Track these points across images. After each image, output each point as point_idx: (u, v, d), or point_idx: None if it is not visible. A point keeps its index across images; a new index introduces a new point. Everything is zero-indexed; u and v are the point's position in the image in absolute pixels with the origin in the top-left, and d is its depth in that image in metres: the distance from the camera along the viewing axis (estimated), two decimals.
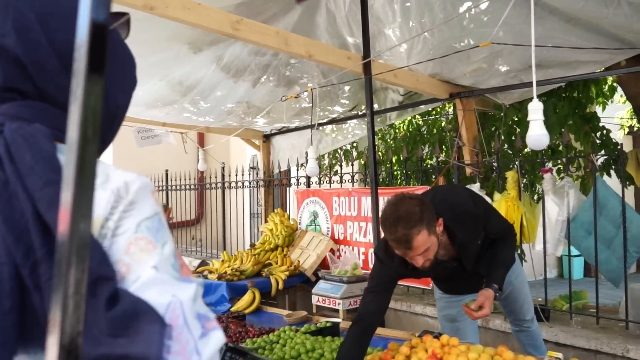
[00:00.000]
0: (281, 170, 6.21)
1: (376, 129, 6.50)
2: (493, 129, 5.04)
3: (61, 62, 0.76)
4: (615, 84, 4.90)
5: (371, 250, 4.50)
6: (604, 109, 5.24)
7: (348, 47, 3.97)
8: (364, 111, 4.61)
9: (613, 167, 4.44)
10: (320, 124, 5.74)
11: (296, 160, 5.77)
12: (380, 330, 3.03)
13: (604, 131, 4.67)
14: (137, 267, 0.68)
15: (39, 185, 0.67)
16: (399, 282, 4.41)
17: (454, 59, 3.75)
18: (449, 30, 3.49)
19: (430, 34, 3.54)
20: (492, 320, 3.63)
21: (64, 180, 0.51)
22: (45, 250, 0.65)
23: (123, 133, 0.99)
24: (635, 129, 7.36)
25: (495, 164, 3.92)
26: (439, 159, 4.45)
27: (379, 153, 7.22)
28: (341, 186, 5.08)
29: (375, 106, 4.99)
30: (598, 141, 4.60)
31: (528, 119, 2.29)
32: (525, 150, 4.96)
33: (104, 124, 0.80)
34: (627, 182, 3.64)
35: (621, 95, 5.28)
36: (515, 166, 3.81)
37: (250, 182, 6.67)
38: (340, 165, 5.13)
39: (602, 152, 4.48)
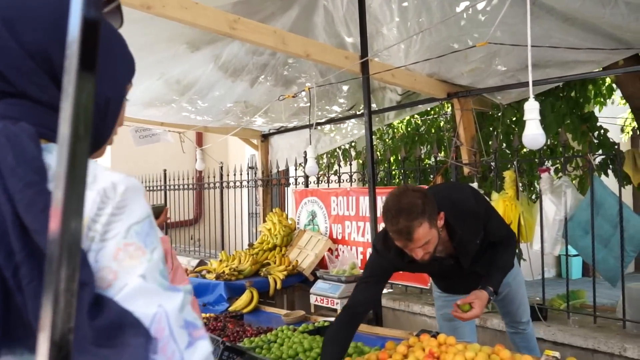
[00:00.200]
0: (279, 170, 6.20)
1: (374, 128, 6.50)
2: (491, 129, 5.05)
3: (35, 61, 0.75)
4: (613, 84, 4.91)
5: (369, 250, 4.50)
6: (601, 109, 5.25)
7: (346, 47, 3.97)
8: (362, 111, 4.61)
9: (610, 166, 4.45)
10: (318, 124, 5.74)
11: (294, 160, 5.77)
12: (378, 330, 3.04)
13: (602, 131, 4.68)
14: (124, 275, 0.67)
15: (19, 187, 0.66)
16: (398, 282, 4.47)
17: (451, 59, 3.75)
18: (447, 30, 3.49)
19: (427, 34, 3.54)
20: (490, 320, 3.64)
21: (56, 177, 0.51)
22: (25, 253, 0.64)
23: (120, 132, 0.98)
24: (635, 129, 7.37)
25: (493, 164, 3.92)
26: (437, 159, 4.46)
27: (377, 153, 7.22)
28: (339, 186, 5.08)
29: (374, 106, 5.00)
30: (595, 141, 4.61)
31: (524, 118, 2.29)
32: (523, 150, 4.97)
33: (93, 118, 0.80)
34: (624, 182, 3.65)
35: (621, 97, 5.29)
36: (512, 166, 3.82)
37: (248, 182, 6.67)
38: (339, 165, 5.13)
39: (600, 151, 4.49)
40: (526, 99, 2.41)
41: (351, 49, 3.92)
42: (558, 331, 3.31)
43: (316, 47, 3.36)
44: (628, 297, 3.33)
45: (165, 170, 7.98)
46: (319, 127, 5.95)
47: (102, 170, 0.73)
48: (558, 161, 4.37)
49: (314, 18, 3.88)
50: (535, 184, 4.75)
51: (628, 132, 7.51)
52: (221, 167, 6.82)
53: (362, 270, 4.26)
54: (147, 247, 0.70)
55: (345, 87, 4.96)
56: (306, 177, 5.56)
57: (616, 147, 3.60)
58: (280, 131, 6.47)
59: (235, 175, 6.35)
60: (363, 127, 4.41)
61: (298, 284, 4.70)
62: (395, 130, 7.48)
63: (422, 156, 4.64)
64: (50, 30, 0.75)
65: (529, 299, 3.19)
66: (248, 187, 6.82)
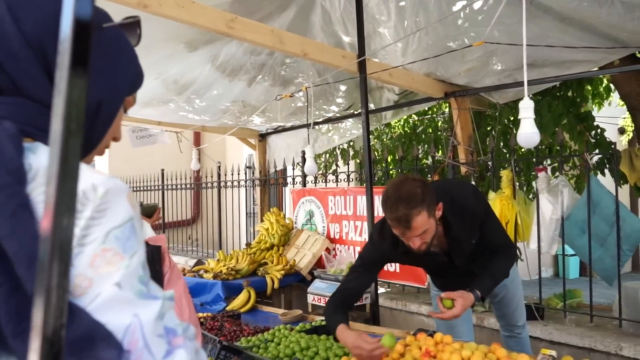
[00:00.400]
0: (277, 169, 6.21)
1: (372, 128, 6.51)
2: (488, 128, 5.05)
3: (32, 51, 0.75)
4: (611, 85, 4.92)
5: None
6: (599, 109, 5.26)
7: (343, 46, 3.97)
8: (359, 110, 4.62)
9: (607, 166, 4.45)
10: (316, 123, 5.74)
11: (292, 159, 5.77)
12: (375, 329, 3.04)
13: (598, 130, 4.69)
14: (99, 283, 0.65)
15: None
16: (395, 281, 4.47)
17: (448, 58, 3.76)
18: (444, 30, 3.50)
19: (425, 33, 3.55)
20: (487, 319, 3.64)
21: (48, 174, 0.51)
22: None
23: None
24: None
25: (490, 163, 3.93)
26: (435, 158, 4.46)
27: (375, 152, 7.23)
28: (337, 185, 5.08)
29: (371, 105, 5.00)
30: (592, 140, 4.62)
31: (519, 117, 2.30)
32: (522, 149, 4.98)
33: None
34: (621, 181, 3.66)
35: (620, 98, 5.31)
36: (510, 165, 3.82)
37: (246, 182, 6.67)
38: (337, 165, 5.13)
39: (596, 151, 4.50)
40: (523, 98, 2.42)
41: (349, 48, 3.93)
42: (555, 330, 3.32)
43: (313, 46, 3.36)
44: (624, 296, 3.33)
45: (162, 170, 7.98)
46: (316, 127, 5.95)
47: (84, 170, 0.70)
48: (555, 160, 4.39)
49: (312, 17, 3.89)
50: (533, 183, 4.76)
51: (629, 134, 7.52)
52: (219, 167, 6.81)
53: None
54: (126, 253, 0.67)
55: (342, 87, 4.97)
56: (304, 176, 5.56)
57: (613, 146, 3.61)
58: (277, 131, 6.47)
59: (232, 175, 6.35)
60: (361, 126, 4.43)
61: (295, 283, 4.70)
62: (393, 130, 7.49)
63: (420, 156, 4.65)
64: (50, 24, 0.75)
65: (526, 298, 3.20)
66: (246, 186, 6.82)
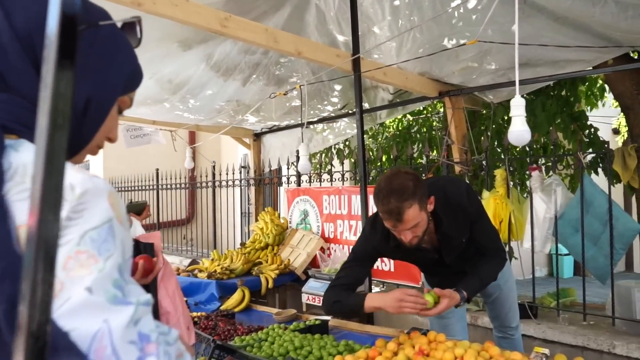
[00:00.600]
0: (272, 169, 6.20)
1: (367, 127, 6.52)
2: (482, 128, 5.06)
3: (21, 45, 0.74)
4: (606, 86, 4.94)
5: None
6: (592, 109, 5.28)
7: (338, 46, 3.97)
8: (354, 110, 4.62)
9: (600, 165, 4.47)
10: (310, 123, 5.74)
11: (287, 159, 5.76)
12: (369, 328, 3.04)
13: (592, 129, 4.71)
14: (70, 286, 0.63)
15: None
16: (389, 280, 4.47)
17: (443, 58, 3.77)
18: (438, 29, 3.50)
19: (419, 33, 3.55)
20: (481, 318, 3.65)
21: (34, 168, 0.51)
22: None
23: None
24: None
25: (484, 162, 3.94)
26: (429, 158, 4.47)
27: (370, 152, 7.23)
28: (331, 185, 5.09)
29: (366, 105, 5.00)
30: (586, 139, 4.64)
31: (510, 115, 2.31)
32: (517, 148, 4.99)
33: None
34: (614, 180, 3.67)
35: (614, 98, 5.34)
36: (503, 164, 3.83)
37: (241, 181, 6.67)
38: (332, 164, 5.13)
39: (590, 150, 4.52)
40: None
41: (343, 47, 3.93)
42: (548, 329, 3.33)
43: (307, 45, 3.36)
44: (617, 295, 3.35)
45: (157, 170, 7.96)
46: (311, 126, 5.95)
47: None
48: (549, 159, 4.40)
49: (306, 17, 3.88)
50: (526, 182, 4.78)
51: (623, 135, 7.56)
52: (213, 167, 6.80)
53: None
54: (101, 255, 0.65)
55: (337, 86, 4.97)
56: (298, 176, 5.56)
57: (606, 145, 3.62)
58: (272, 130, 6.47)
59: (227, 174, 6.34)
60: (355, 125, 4.42)
61: (290, 283, 4.70)
62: (388, 129, 7.50)
63: (414, 155, 4.65)
64: (41, 19, 0.74)
65: (520, 297, 3.21)
66: (240, 186, 6.81)
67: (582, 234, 3.35)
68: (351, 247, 4.70)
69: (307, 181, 5.53)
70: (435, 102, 5.02)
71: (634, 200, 4.72)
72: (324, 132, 6.17)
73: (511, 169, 4.01)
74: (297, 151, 5.15)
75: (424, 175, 4.71)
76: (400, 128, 7.20)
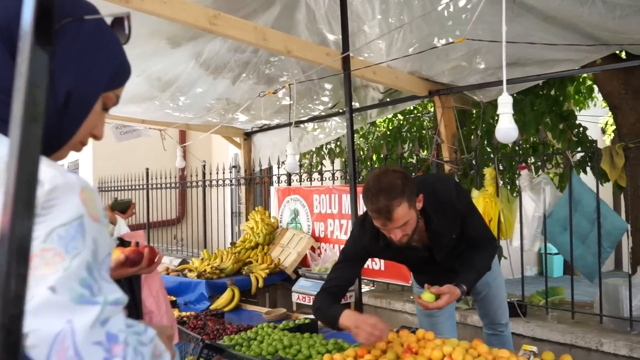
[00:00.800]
0: (262, 168, 6.18)
1: (357, 127, 6.52)
2: (472, 127, 5.08)
3: (0, 36, 0.73)
4: (594, 86, 4.97)
5: None
6: (581, 109, 5.31)
7: (328, 44, 3.97)
8: (344, 109, 4.62)
9: (589, 164, 4.50)
10: (300, 122, 5.74)
11: (277, 158, 5.75)
12: None
13: (580, 129, 4.74)
14: (34, 285, 0.60)
15: None
16: (379, 279, 4.48)
17: (433, 57, 3.77)
18: (428, 28, 3.51)
19: (409, 31, 3.56)
20: (470, 316, 3.66)
21: (8, 160, 0.50)
22: None
23: None
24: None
25: (473, 161, 3.95)
26: (419, 157, 4.47)
27: (360, 151, 7.24)
28: (322, 184, 5.08)
29: (356, 104, 5.00)
30: (574, 139, 4.67)
31: (497, 112, 2.32)
32: (507, 147, 5.01)
33: (50, 109, 0.75)
34: (602, 179, 3.70)
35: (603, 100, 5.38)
36: (493, 163, 3.84)
37: (231, 181, 6.65)
38: (322, 164, 5.13)
39: (579, 149, 4.54)
40: None
41: (333, 46, 3.92)
42: (537, 327, 3.34)
43: (297, 43, 3.35)
44: (605, 292, 3.37)
45: (147, 169, 7.91)
46: (302, 126, 5.94)
47: None
48: (538, 158, 4.42)
49: (296, 15, 3.88)
50: (516, 181, 4.80)
51: (610, 134, 7.61)
52: (204, 166, 6.77)
53: None
54: (67, 253, 0.63)
55: (328, 86, 4.97)
56: (289, 175, 5.55)
57: (594, 144, 3.65)
58: (263, 129, 6.45)
59: (218, 173, 6.31)
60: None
61: (280, 282, 4.69)
62: (379, 129, 7.51)
63: (404, 154, 4.66)
64: (19, 10, 0.73)
65: (509, 296, 3.22)
66: (231, 185, 6.79)
67: (571, 232, 3.37)
68: (341, 246, 4.72)
69: (298, 180, 5.52)
70: (425, 102, 5.03)
71: (622, 199, 4.76)
72: (315, 132, 6.17)
73: (500, 167, 4.02)
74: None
75: (414, 174, 4.72)
76: (390, 127, 7.20)
